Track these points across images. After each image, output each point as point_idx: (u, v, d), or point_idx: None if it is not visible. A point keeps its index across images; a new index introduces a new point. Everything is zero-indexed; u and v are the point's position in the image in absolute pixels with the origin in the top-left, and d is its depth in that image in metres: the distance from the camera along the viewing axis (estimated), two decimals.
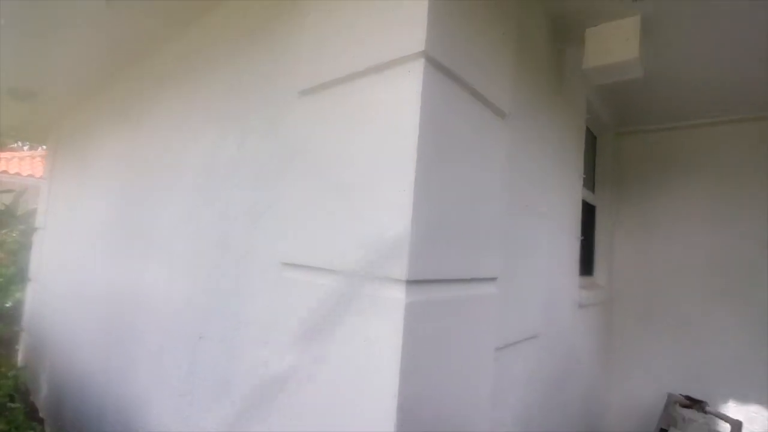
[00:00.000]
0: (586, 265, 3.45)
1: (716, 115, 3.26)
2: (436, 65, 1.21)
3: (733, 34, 2.10)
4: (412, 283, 1.11)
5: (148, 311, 2.40)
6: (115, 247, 2.94)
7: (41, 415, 3.78)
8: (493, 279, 1.53)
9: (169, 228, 2.31)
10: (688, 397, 3.02)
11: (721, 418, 2.85)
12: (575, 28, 2.15)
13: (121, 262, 2.81)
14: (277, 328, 1.50)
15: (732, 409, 3.08)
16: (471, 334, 1.39)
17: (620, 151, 3.78)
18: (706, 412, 2.88)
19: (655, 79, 2.65)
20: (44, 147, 5.82)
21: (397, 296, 1.10)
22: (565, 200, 2.43)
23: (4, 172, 9.21)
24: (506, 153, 1.65)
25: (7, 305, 4.90)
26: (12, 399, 3.58)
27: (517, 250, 1.80)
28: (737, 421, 2.81)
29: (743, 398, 3.08)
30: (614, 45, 2.01)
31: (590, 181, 3.54)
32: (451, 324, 1.29)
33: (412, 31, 1.17)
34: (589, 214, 3.44)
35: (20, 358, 4.76)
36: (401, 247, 1.11)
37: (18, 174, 9.40)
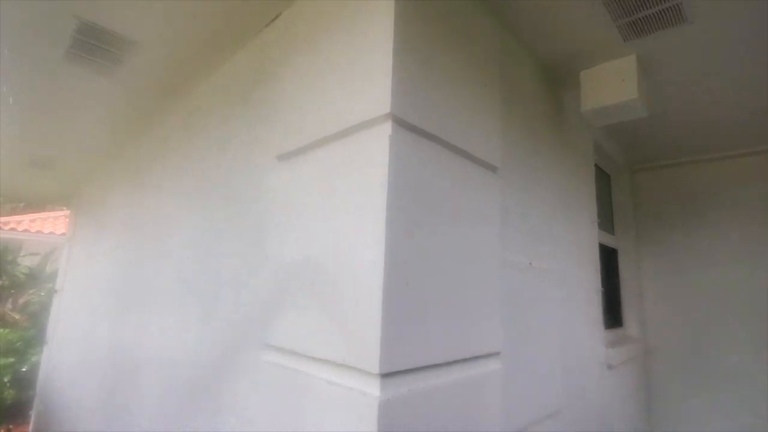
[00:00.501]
0: (614, 316, 3.16)
1: (738, 147, 3.06)
2: (406, 125, 1.13)
3: (737, 65, 1.98)
4: (387, 376, 0.97)
5: (144, 378, 2.30)
6: (117, 310, 2.90)
7: None
8: (494, 354, 1.35)
9: (162, 294, 2.25)
10: None
11: None
12: (569, 72, 2.08)
13: (122, 325, 2.75)
14: (256, 417, 1.36)
15: None
16: (471, 424, 1.20)
17: (637, 189, 3.58)
18: None
19: (661, 115, 2.52)
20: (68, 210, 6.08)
21: (370, 392, 0.96)
22: (578, 249, 2.24)
23: (39, 232, 9.67)
24: (501, 207, 1.53)
25: (23, 369, 4.91)
26: None
27: (525, 314, 1.62)
28: None
29: None
30: (611, 86, 1.92)
31: (608, 223, 3.33)
32: (445, 416, 1.12)
33: (378, 93, 1.11)
34: (610, 258, 3.20)
35: (32, 424, 4.69)
36: (372, 332, 0.98)
37: (52, 233, 9.87)
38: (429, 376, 1.10)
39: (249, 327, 1.48)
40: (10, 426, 4.53)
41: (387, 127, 1.10)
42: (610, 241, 3.17)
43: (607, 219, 3.29)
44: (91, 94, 2.44)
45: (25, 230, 9.27)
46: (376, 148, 1.10)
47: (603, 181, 3.28)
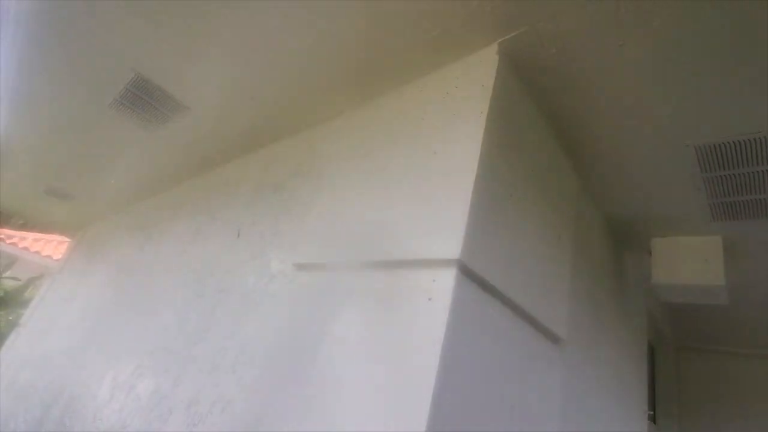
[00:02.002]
0: None
1: None
2: (472, 276, 0.87)
3: None
4: None
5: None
6: (76, 355, 2.45)
7: None
8: None
9: (124, 357, 1.84)
10: None
11: None
12: (638, 236, 1.86)
13: (70, 377, 2.28)
14: None
15: None
16: None
17: (682, 370, 3.12)
18: None
19: (733, 301, 2.22)
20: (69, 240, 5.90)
21: None
22: None
23: (37, 252, 9.42)
24: (562, 387, 1.18)
25: None
26: None
27: None
28: None
29: None
30: (691, 264, 1.67)
31: (650, 408, 2.82)
32: None
33: (447, 232, 0.87)
34: None
35: None
36: None
37: (49, 257, 9.59)
38: None
39: None
40: None
41: (451, 274, 0.83)
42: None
43: (649, 403, 2.80)
44: (126, 144, 2.35)
45: (25, 248, 9.05)
46: (435, 294, 0.83)
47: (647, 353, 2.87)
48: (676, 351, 3.14)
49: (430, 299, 0.84)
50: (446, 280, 0.84)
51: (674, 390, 2.99)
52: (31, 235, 9.26)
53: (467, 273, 0.86)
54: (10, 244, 8.64)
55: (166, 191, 2.81)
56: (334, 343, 0.97)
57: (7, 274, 6.84)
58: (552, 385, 1.15)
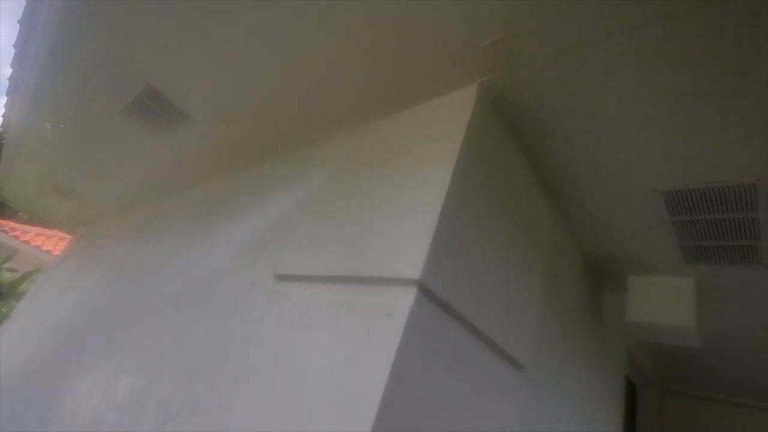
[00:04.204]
0: None
1: None
2: (432, 297, 0.92)
3: None
4: None
5: None
6: (58, 358, 2.47)
7: None
8: None
9: (106, 359, 1.88)
10: None
11: None
12: (616, 273, 1.91)
13: (52, 375, 2.29)
14: None
15: None
16: None
17: (665, 412, 3.09)
18: None
19: (712, 345, 2.23)
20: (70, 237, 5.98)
21: None
22: None
23: (37, 247, 9.50)
24: (520, 418, 1.21)
25: None
26: None
27: None
28: None
29: None
30: (664, 304, 1.71)
31: None
32: None
33: (410, 253, 0.93)
34: None
35: None
36: None
37: (49, 252, 9.66)
38: None
39: None
40: None
41: (411, 293, 0.89)
42: None
43: None
44: (134, 150, 2.46)
45: (26, 241, 9.13)
46: (394, 311, 0.88)
47: (628, 392, 2.85)
48: (660, 393, 3.12)
49: (389, 315, 0.89)
50: (406, 299, 0.89)
51: (655, 429, 2.96)
52: (33, 230, 9.37)
53: (427, 293, 0.92)
54: (12, 236, 8.75)
55: (166, 197, 2.90)
56: (301, 351, 1.02)
57: (6, 266, 6.91)
58: (510, 411, 1.18)
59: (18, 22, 1.82)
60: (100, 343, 2.09)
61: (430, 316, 0.94)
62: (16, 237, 8.80)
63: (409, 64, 1.21)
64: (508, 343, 1.15)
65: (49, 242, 9.11)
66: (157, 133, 2.14)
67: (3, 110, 2.84)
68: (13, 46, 1.99)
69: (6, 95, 2.69)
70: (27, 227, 9.51)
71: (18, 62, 2.08)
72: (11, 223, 9.39)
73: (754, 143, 1.09)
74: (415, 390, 0.86)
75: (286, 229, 1.43)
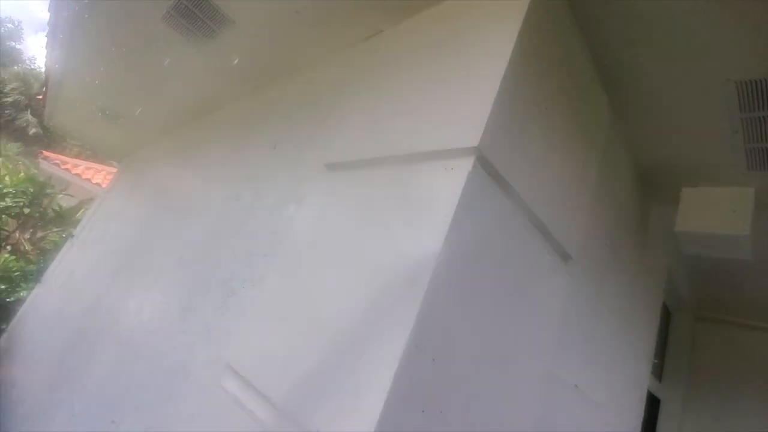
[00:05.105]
0: None
1: None
2: (489, 168, 0.92)
3: None
4: None
5: (103, 347, 2.05)
6: (111, 274, 2.74)
7: None
8: None
9: (158, 272, 2.07)
10: None
11: None
12: (668, 185, 1.83)
13: (108, 289, 2.57)
14: None
15: None
16: None
17: (697, 338, 3.11)
18: None
19: (760, 265, 2.17)
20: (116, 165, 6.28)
21: None
22: (626, 386, 1.85)
23: (88, 180, 10.10)
24: (563, 308, 1.25)
25: (9, 300, 4.81)
26: None
27: None
28: None
29: None
30: (719, 214, 1.64)
31: (657, 367, 2.87)
32: None
33: (469, 122, 0.92)
34: (651, 407, 2.70)
35: None
36: (375, 404, 0.71)
37: (99, 185, 10.28)
38: None
39: (220, 337, 1.24)
40: None
41: (467, 163, 0.90)
42: (656, 389, 2.69)
43: (656, 363, 2.84)
44: (176, 60, 2.46)
45: (77, 174, 9.70)
46: (448, 183, 0.90)
47: (661, 316, 2.87)
48: (693, 320, 3.12)
49: (442, 188, 0.90)
50: (462, 169, 0.90)
51: (686, 356, 3.00)
52: (83, 163, 9.92)
53: (484, 164, 0.92)
54: (64, 169, 9.29)
55: (208, 115, 2.94)
56: (354, 233, 1.07)
57: (64, 193, 7.38)
58: (553, 301, 1.21)
59: None
60: (161, 244, 2.27)
61: (485, 191, 0.94)
62: (68, 170, 9.34)
63: None
64: (558, 230, 1.16)
65: (98, 175, 9.64)
66: (198, 41, 2.13)
67: (47, 28, 2.89)
68: None
69: (48, 11, 2.72)
70: (77, 161, 10.07)
71: None
72: (62, 157, 9.96)
73: None
74: (463, 271, 0.88)
75: (334, 122, 1.44)
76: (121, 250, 2.93)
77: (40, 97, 5.08)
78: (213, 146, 2.54)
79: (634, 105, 1.48)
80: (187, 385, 1.26)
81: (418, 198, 0.96)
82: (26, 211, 4.25)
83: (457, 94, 1.00)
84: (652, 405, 2.76)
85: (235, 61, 2.16)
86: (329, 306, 0.94)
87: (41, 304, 4.15)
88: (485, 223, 0.94)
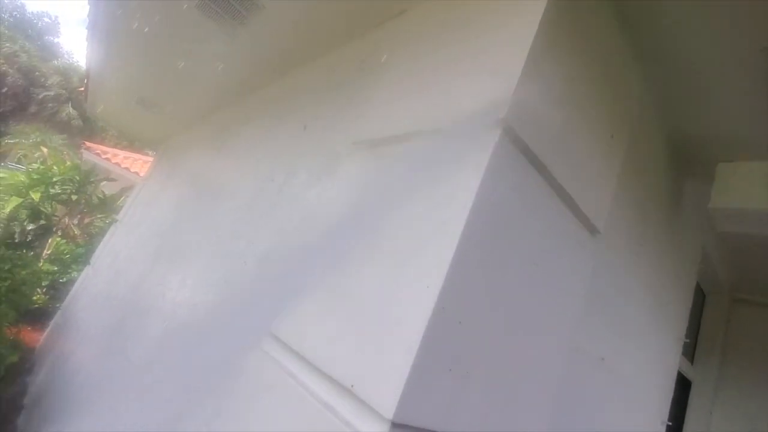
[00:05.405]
0: None
1: None
2: (515, 140, 0.94)
3: None
4: (399, 428, 0.74)
5: (149, 323, 2.22)
6: (154, 255, 2.93)
7: (25, 401, 3.68)
8: None
9: (197, 252, 2.20)
10: None
11: None
12: (703, 160, 1.78)
13: (151, 269, 2.75)
14: (233, 407, 1.17)
15: None
16: None
17: (732, 321, 3.01)
18: None
19: None
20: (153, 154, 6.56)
21: None
22: (654, 364, 1.85)
23: (126, 169, 10.62)
24: (589, 282, 1.26)
25: (62, 280, 5.19)
26: None
27: (575, 417, 1.30)
28: None
29: None
30: (754, 189, 1.59)
31: (690, 349, 2.81)
32: None
33: (495, 94, 0.94)
34: (682, 389, 2.67)
35: (46, 333, 4.88)
36: (401, 363, 0.77)
37: (137, 174, 10.79)
38: None
39: (262, 310, 1.32)
40: (28, 328, 4.75)
41: (493, 136, 0.92)
42: (686, 370, 2.65)
43: (689, 344, 2.78)
44: (209, 48, 2.55)
45: (116, 164, 10.21)
46: (475, 155, 0.92)
47: (695, 300, 2.80)
48: (729, 302, 3.02)
49: (470, 159, 0.93)
50: (487, 142, 0.92)
51: (720, 339, 2.92)
52: (122, 153, 10.40)
53: (511, 136, 0.94)
54: (104, 159, 9.78)
55: (239, 102, 3.04)
56: (381, 207, 1.11)
57: (107, 180, 7.82)
58: (579, 275, 1.22)
59: None
60: (197, 226, 2.40)
61: (512, 163, 0.97)
62: (108, 159, 9.83)
63: None
64: (586, 204, 1.16)
65: (135, 164, 10.10)
66: (229, 28, 2.20)
67: (87, 21, 3.04)
68: None
69: (88, 5, 2.86)
70: (116, 150, 10.57)
71: None
72: (103, 147, 10.46)
73: None
74: (489, 240, 0.90)
75: (362, 101, 1.48)
76: (161, 233, 3.11)
77: (82, 89, 5.35)
78: (245, 131, 2.63)
79: (668, 77, 1.44)
80: (229, 349, 1.36)
81: (446, 170, 0.99)
82: (74, 197, 4.52)
83: (483, 67, 1.02)
84: (683, 387, 2.72)
85: (266, 47, 2.22)
86: (361, 273, 1.00)
87: (91, 284, 4.46)
88: (512, 195, 0.96)
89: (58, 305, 5.06)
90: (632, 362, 1.61)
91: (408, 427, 0.76)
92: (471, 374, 0.87)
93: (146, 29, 2.61)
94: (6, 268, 3.07)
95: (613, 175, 1.29)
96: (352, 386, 0.83)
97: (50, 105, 18.37)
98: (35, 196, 4.07)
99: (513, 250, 0.97)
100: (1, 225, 4.09)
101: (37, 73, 18.49)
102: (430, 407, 0.79)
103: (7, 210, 3.98)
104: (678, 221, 1.91)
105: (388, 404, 0.74)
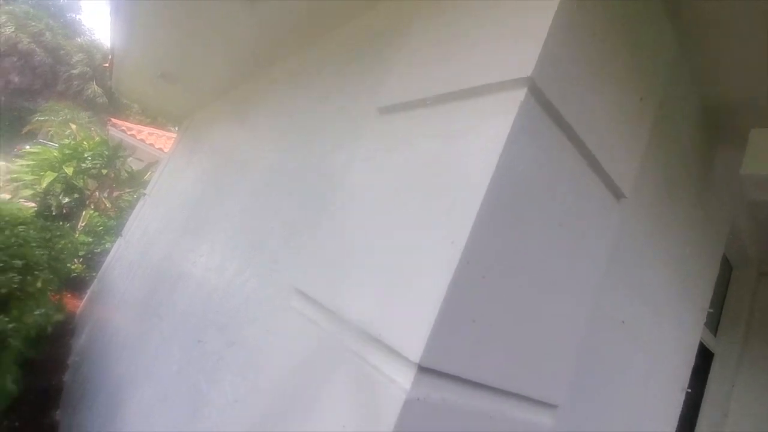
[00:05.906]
0: (687, 428, 2.62)
1: None
2: (542, 100, 0.94)
3: None
4: (425, 371, 0.79)
5: (178, 291, 2.35)
6: (181, 227, 3.04)
7: (69, 361, 3.96)
8: (551, 407, 1.10)
9: (221, 223, 2.28)
10: None
11: None
12: (736, 127, 1.72)
13: (179, 240, 2.87)
14: (266, 358, 1.25)
15: None
16: None
17: (759, 295, 2.95)
18: None
19: None
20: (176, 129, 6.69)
21: (400, 381, 0.79)
22: (677, 333, 1.85)
23: (151, 145, 10.88)
24: (611, 247, 1.26)
25: (97, 251, 5.46)
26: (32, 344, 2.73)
27: (594, 378, 1.33)
28: None
29: None
30: None
31: (713, 321, 2.79)
32: None
33: (522, 52, 0.93)
34: (704, 361, 2.66)
35: (85, 300, 5.19)
36: (427, 311, 0.81)
37: (161, 149, 11.06)
38: (469, 395, 0.90)
39: (289, 269, 1.39)
40: (68, 295, 5.05)
41: (519, 95, 0.92)
42: (709, 342, 2.64)
43: (713, 317, 2.76)
44: (230, 19, 2.56)
45: (141, 140, 10.47)
46: (499, 115, 0.93)
47: (722, 273, 2.75)
48: (757, 276, 2.96)
49: (495, 118, 0.94)
50: (514, 99, 0.92)
51: (745, 312, 2.88)
52: (146, 129, 10.65)
53: (537, 95, 0.93)
54: (130, 135, 10.03)
55: (260, 75, 3.06)
56: (402, 170, 1.13)
57: (134, 156, 8.06)
58: (605, 236, 1.22)
59: None
60: (222, 193, 2.47)
61: (537, 123, 0.96)
62: (133, 136, 10.08)
63: None
64: (612, 167, 1.15)
65: (159, 140, 10.34)
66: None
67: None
68: None
69: None
70: (141, 127, 10.82)
71: None
72: (128, 124, 10.71)
73: None
74: (513, 199, 0.91)
75: (384, 68, 1.48)
76: (189, 205, 3.22)
77: (106, 65, 5.45)
78: (267, 103, 2.66)
79: (701, 39, 1.38)
80: (260, 308, 1.44)
81: (472, 129, 0.99)
82: (104, 171, 4.71)
83: (508, 26, 1.01)
84: (705, 358, 2.71)
85: (286, 18, 2.21)
86: (388, 232, 1.03)
87: (123, 254, 4.68)
88: (537, 154, 0.97)
89: (94, 274, 5.34)
90: (653, 328, 1.62)
91: (434, 371, 0.80)
92: (494, 326, 0.90)
93: (168, 3, 2.64)
94: (47, 237, 3.26)
95: (641, 138, 1.26)
96: (380, 335, 0.88)
97: (76, 83, 18.77)
98: (68, 170, 4.26)
99: (537, 209, 0.98)
100: (39, 198, 4.30)
101: (62, 51, 18.83)
102: (454, 354, 0.83)
103: (44, 184, 4.18)
104: (707, 190, 1.87)
105: (416, 350, 0.78)
